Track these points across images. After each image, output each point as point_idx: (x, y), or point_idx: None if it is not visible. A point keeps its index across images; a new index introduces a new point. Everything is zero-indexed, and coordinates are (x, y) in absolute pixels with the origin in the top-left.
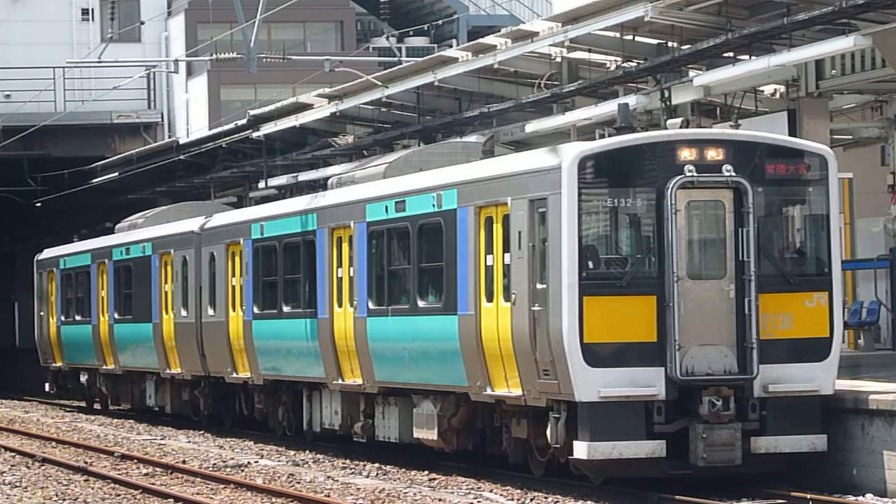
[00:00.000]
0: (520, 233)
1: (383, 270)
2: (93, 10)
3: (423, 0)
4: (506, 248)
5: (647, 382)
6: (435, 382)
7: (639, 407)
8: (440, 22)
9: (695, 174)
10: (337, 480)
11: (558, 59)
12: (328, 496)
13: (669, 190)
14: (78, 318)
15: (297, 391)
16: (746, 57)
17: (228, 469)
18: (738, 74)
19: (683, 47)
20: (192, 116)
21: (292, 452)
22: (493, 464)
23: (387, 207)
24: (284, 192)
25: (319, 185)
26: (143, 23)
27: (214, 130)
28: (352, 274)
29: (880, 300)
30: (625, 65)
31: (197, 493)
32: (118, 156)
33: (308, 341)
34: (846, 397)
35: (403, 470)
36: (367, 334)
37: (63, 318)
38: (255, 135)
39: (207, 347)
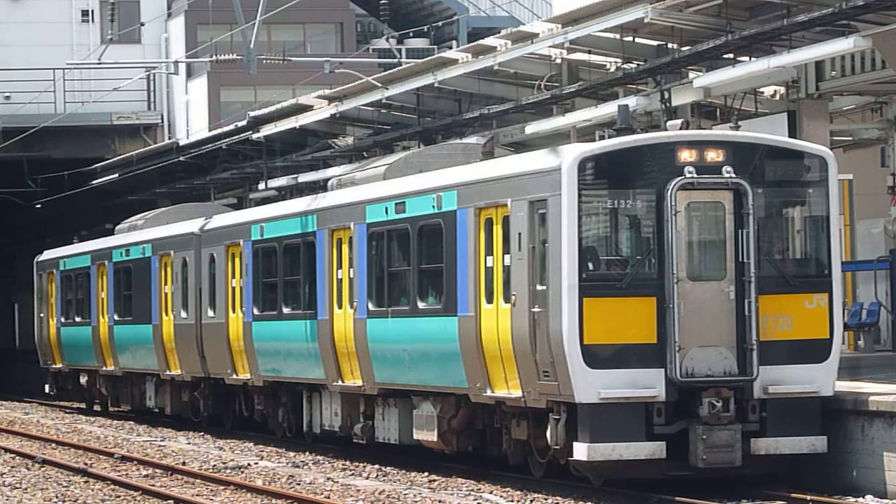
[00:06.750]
0: (520, 234)
1: (383, 272)
2: (92, 11)
3: (423, 1)
4: (506, 250)
5: (647, 384)
6: (435, 384)
7: (639, 408)
8: (440, 23)
9: (695, 175)
10: (337, 482)
11: (558, 61)
12: (328, 497)
13: (669, 191)
14: (78, 319)
15: (297, 392)
16: (746, 58)
17: (228, 470)
18: (738, 76)
19: (683, 49)
20: (192, 118)
21: (292, 454)
22: (493, 465)
23: (387, 209)
24: (284, 194)
25: (319, 187)
26: (142, 24)
27: (214, 132)
28: (352, 275)
29: (880, 301)
30: (625, 66)
31: (197, 495)
32: (118, 157)
33: (308, 343)
34: (846, 398)
35: (403, 471)
36: (367, 336)
37: (63, 320)
38: (255, 136)
39: (207, 349)
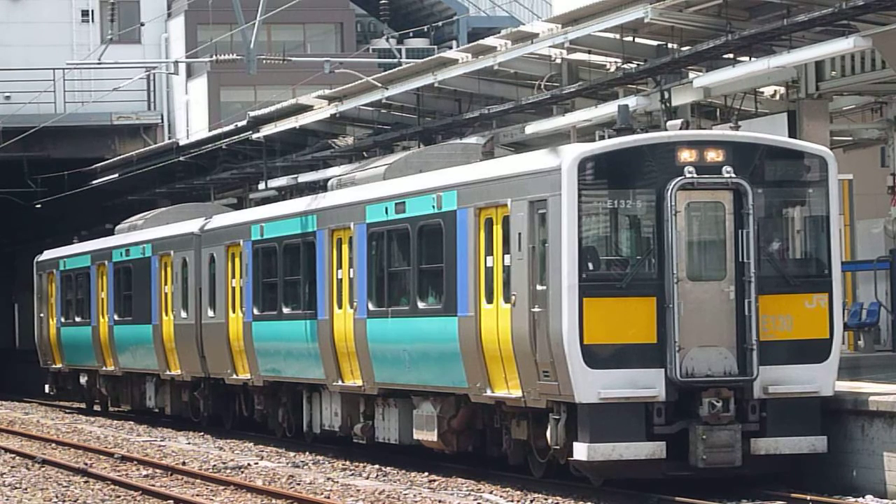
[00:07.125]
0: (520, 234)
1: (383, 272)
2: (92, 11)
3: (423, 1)
4: (506, 250)
5: (647, 384)
6: (435, 384)
7: (639, 408)
8: (440, 23)
9: (695, 175)
10: (337, 482)
11: (558, 61)
12: (328, 497)
13: (669, 191)
14: (78, 319)
15: (297, 393)
16: (746, 58)
17: (228, 470)
18: (738, 76)
19: (683, 49)
20: (192, 118)
21: (292, 454)
22: (493, 465)
23: (387, 209)
24: (284, 194)
25: (319, 187)
26: (143, 24)
27: (214, 132)
28: (352, 275)
29: (880, 301)
30: (625, 66)
31: (197, 495)
32: (118, 157)
33: (308, 343)
34: (846, 398)
35: (403, 471)
36: (367, 336)
37: (63, 320)
38: (255, 136)
39: (207, 349)
